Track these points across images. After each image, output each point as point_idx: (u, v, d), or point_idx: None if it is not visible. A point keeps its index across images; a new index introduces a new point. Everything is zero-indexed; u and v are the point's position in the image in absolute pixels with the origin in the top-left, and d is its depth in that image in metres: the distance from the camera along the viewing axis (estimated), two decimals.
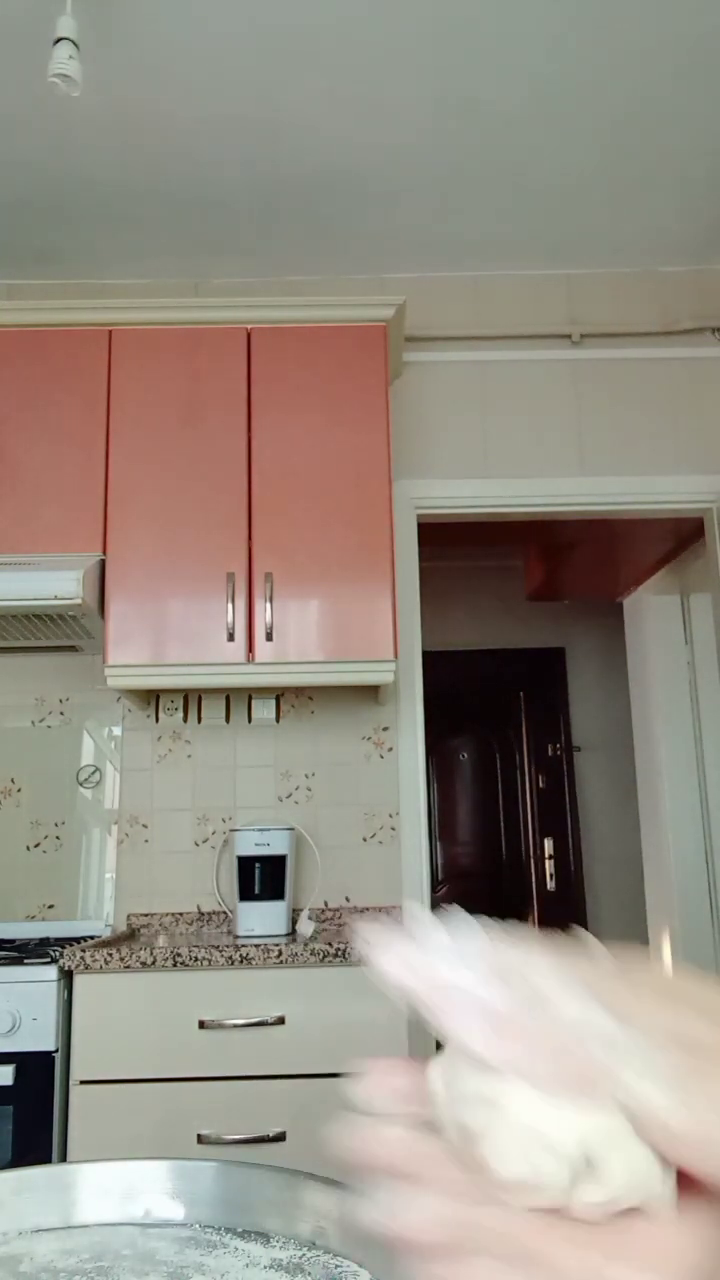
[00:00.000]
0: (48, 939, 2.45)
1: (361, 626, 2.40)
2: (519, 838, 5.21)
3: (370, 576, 2.43)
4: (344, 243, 2.88)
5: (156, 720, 2.76)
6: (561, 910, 5.02)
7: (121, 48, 2.13)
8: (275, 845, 2.46)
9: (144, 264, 2.95)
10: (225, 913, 2.64)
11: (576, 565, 4.46)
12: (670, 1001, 0.31)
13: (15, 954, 2.11)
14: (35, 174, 2.55)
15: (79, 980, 2.03)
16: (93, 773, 2.76)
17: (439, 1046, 0.34)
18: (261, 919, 2.41)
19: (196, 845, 2.70)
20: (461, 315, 3.00)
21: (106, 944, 2.18)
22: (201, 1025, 2.00)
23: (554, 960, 0.32)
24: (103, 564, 2.44)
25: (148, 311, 2.56)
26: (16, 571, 2.32)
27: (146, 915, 2.65)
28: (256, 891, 2.44)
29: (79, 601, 2.25)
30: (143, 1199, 0.61)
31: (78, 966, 2.01)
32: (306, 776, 2.74)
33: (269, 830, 2.48)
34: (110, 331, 2.55)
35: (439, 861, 5.09)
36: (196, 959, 2.02)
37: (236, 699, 2.77)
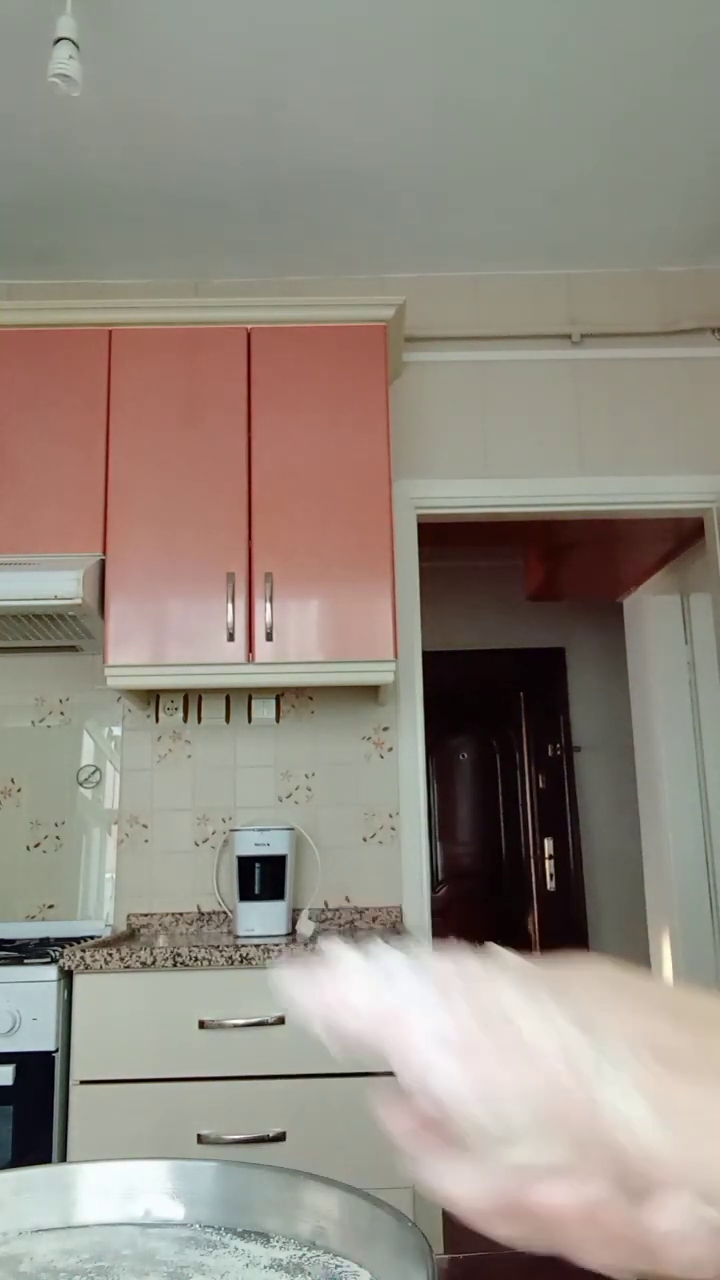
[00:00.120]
0: (48, 939, 2.45)
1: (361, 626, 2.40)
2: (519, 838, 5.21)
3: (370, 576, 2.43)
4: (344, 243, 2.88)
5: (156, 720, 2.76)
6: (561, 910, 5.02)
7: (121, 48, 2.13)
8: (275, 845, 2.46)
9: (144, 264, 2.95)
10: (225, 913, 2.64)
11: (576, 565, 4.47)
12: (632, 1002, 0.30)
13: (15, 954, 2.11)
14: (35, 174, 2.55)
15: (79, 980, 2.03)
16: (93, 773, 2.76)
17: None
18: (261, 919, 2.41)
19: (196, 845, 2.70)
20: (461, 315, 3.00)
21: (106, 944, 2.18)
22: (201, 1025, 2.00)
23: (508, 965, 0.31)
24: (103, 564, 2.44)
25: (148, 311, 2.57)
26: (16, 571, 2.32)
27: (146, 915, 2.65)
28: (256, 891, 2.44)
29: (79, 601, 2.25)
30: (143, 1199, 0.61)
31: (78, 966, 2.01)
32: (306, 776, 2.74)
33: (269, 830, 2.48)
34: (110, 331, 2.55)
35: (439, 861, 5.09)
36: (196, 959, 2.02)
37: (236, 699, 2.77)
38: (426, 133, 2.43)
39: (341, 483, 2.48)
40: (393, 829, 2.71)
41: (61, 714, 2.78)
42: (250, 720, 2.77)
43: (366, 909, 2.65)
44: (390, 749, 2.76)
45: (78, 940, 2.35)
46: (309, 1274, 0.53)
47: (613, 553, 4.22)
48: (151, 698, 2.75)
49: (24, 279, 2.99)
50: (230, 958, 2.03)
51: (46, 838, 2.71)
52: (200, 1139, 1.95)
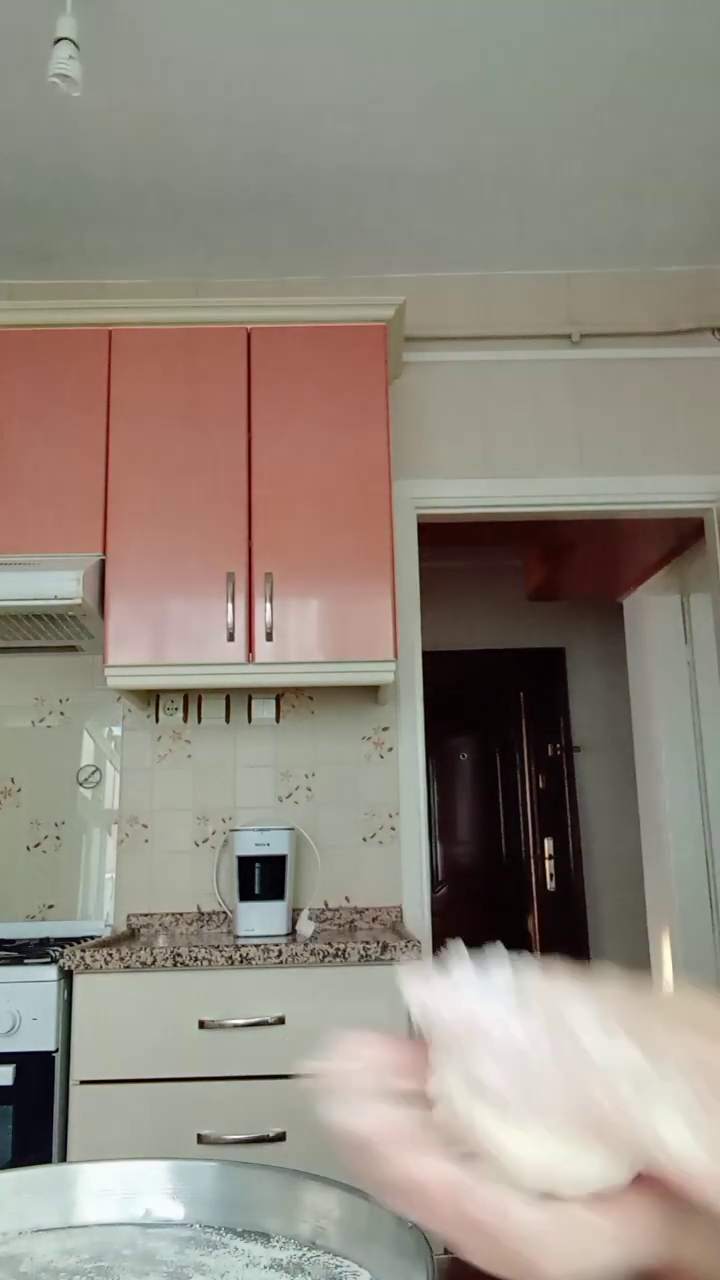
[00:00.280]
0: (48, 939, 2.45)
1: (361, 626, 2.40)
2: (519, 838, 5.21)
3: (370, 576, 2.43)
4: (344, 243, 2.88)
5: (156, 720, 2.76)
6: (561, 910, 5.02)
7: (121, 47, 2.13)
8: (275, 845, 2.46)
9: (144, 264, 2.95)
10: (225, 913, 2.64)
11: (576, 565, 4.46)
12: (701, 1033, 0.31)
13: (15, 954, 2.11)
14: (35, 173, 2.55)
15: (79, 980, 2.03)
16: (93, 773, 2.76)
17: None
18: (261, 919, 2.41)
19: (196, 845, 2.70)
20: (461, 315, 3.00)
21: (106, 944, 2.18)
22: (201, 1025, 2.00)
23: (586, 991, 0.32)
24: (103, 564, 2.44)
25: (148, 311, 2.57)
26: (16, 571, 2.32)
27: (146, 915, 2.65)
28: (256, 891, 2.44)
29: (79, 601, 2.25)
30: (143, 1199, 0.61)
31: (78, 966, 2.01)
32: (306, 776, 2.74)
33: (269, 830, 2.48)
34: (110, 331, 2.55)
35: (439, 861, 5.09)
36: (196, 959, 2.02)
37: (236, 699, 2.77)
38: (427, 132, 2.43)
39: (341, 483, 2.48)
40: (393, 829, 2.71)
41: (61, 714, 2.78)
42: (250, 720, 2.77)
43: (366, 909, 2.65)
44: (390, 749, 2.76)
45: (78, 940, 2.35)
46: (309, 1274, 0.53)
47: (613, 553, 4.22)
48: (151, 698, 2.75)
49: (24, 279, 2.99)
50: (230, 958, 2.03)
51: (46, 838, 2.71)
52: (200, 1139, 1.95)
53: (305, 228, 2.80)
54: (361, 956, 2.03)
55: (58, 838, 2.71)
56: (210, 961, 2.02)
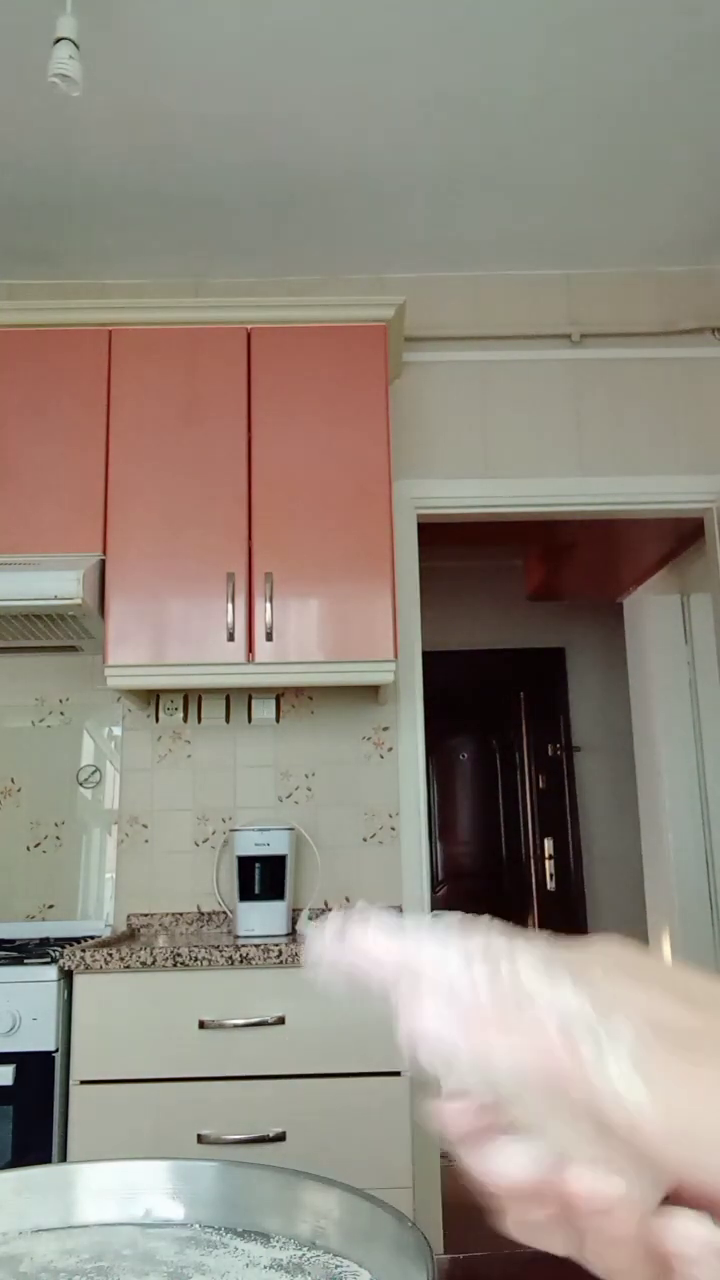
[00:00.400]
0: (48, 939, 2.45)
1: (361, 626, 2.40)
2: (519, 838, 5.21)
3: (370, 576, 2.43)
4: (344, 243, 2.88)
5: (156, 720, 2.76)
6: (561, 910, 5.02)
7: (121, 48, 2.13)
8: (275, 845, 2.46)
9: (144, 264, 2.95)
10: (225, 913, 2.64)
11: (576, 565, 4.47)
12: (646, 985, 0.31)
13: (15, 954, 2.11)
14: (35, 174, 2.55)
15: (79, 980, 2.03)
16: (93, 773, 2.76)
17: None
18: (261, 919, 2.41)
19: (196, 845, 2.70)
20: (461, 315, 3.00)
21: (106, 944, 2.18)
22: (201, 1025, 2.00)
23: (534, 946, 0.32)
24: (103, 564, 2.44)
25: (148, 311, 2.57)
26: (16, 571, 2.32)
27: (146, 915, 2.65)
28: (256, 891, 2.44)
29: (79, 601, 2.25)
30: (143, 1199, 0.61)
31: (78, 966, 2.01)
32: (306, 776, 2.74)
33: (269, 830, 2.48)
34: (110, 331, 2.55)
35: (439, 861, 5.09)
36: (196, 959, 2.02)
37: (236, 699, 2.77)
38: (426, 133, 2.43)
39: (341, 483, 2.48)
40: (393, 829, 2.71)
41: (61, 714, 2.78)
42: (250, 720, 2.77)
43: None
44: (390, 749, 2.76)
45: (78, 940, 2.35)
46: (309, 1274, 0.53)
47: (613, 553, 4.22)
48: (151, 698, 2.75)
49: (24, 279, 2.99)
50: (230, 958, 2.03)
51: (46, 838, 2.71)
52: (200, 1139, 1.95)
53: (305, 228, 2.80)
54: None
55: (58, 838, 2.71)
56: (210, 961, 2.02)
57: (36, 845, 2.71)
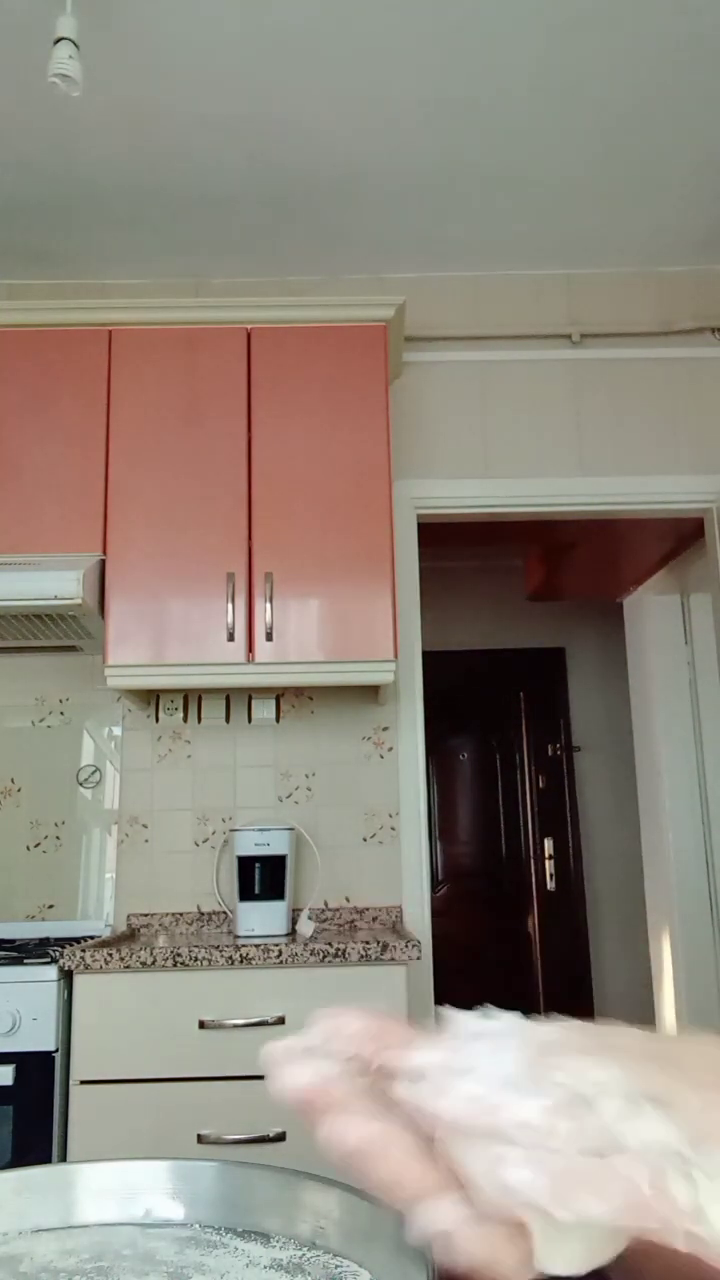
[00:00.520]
0: (48, 939, 2.45)
1: (361, 626, 2.40)
2: (519, 838, 5.21)
3: (370, 576, 2.43)
4: (344, 243, 2.88)
5: (156, 720, 2.76)
6: (561, 910, 5.02)
7: (121, 48, 2.13)
8: (275, 845, 2.46)
9: (144, 264, 2.95)
10: (225, 913, 2.64)
11: (576, 565, 4.46)
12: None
13: (15, 954, 2.11)
14: (35, 174, 2.55)
15: (79, 980, 2.03)
16: (93, 773, 2.76)
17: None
18: (261, 919, 2.41)
19: (196, 845, 2.70)
20: (461, 315, 3.00)
21: (106, 944, 2.18)
22: (201, 1025, 2.00)
23: (595, 1048, 0.30)
24: (103, 564, 2.44)
25: (148, 311, 2.56)
26: (16, 571, 2.32)
27: (146, 915, 2.65)
28: (256, 891, 2.44)
29: (79, 601, 2.25)
30: (143, 1199, 0.61)
31: (78, 966, 2.01)
32: (306, 776, 2.74)
33: (269, 830, 2.48)
34: (110, 331, 2.55)
35: (439, 861, 5.09)
36: (196, 959, 2.02)
37: (236, 699, 2.77)
38: (426, 133, 2.43)
39: (341, 483, 2.48)
40: (393, 829, 2.71)
41: (61, 714, 2.78)
42: (250, 720, 2.77)
43: (366, 909, 2.65)
44: (390, 749, 2.76)
45: (78, 940, 2.35)
46: (309, 1274, 0.53)
47: (613, 553, 4.22)
48: (151, 698, 2.75)
49: (24, 279, 2.99)
50: (230, 958, 2.03)
51: (46, 838, 2.71)
52: (200, 1139, 1.95)
53: (305, 228, 2.80)
54: (361, 956, 2.03)
55: (58, 838, 2.71)
56: (210, 961, 2.02)
57: (36, 845, 2.71)
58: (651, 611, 4.07)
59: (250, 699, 2.77)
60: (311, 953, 2.04)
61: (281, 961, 2.03)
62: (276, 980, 2.04)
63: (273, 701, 2.77)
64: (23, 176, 2.56)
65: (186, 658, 2.39)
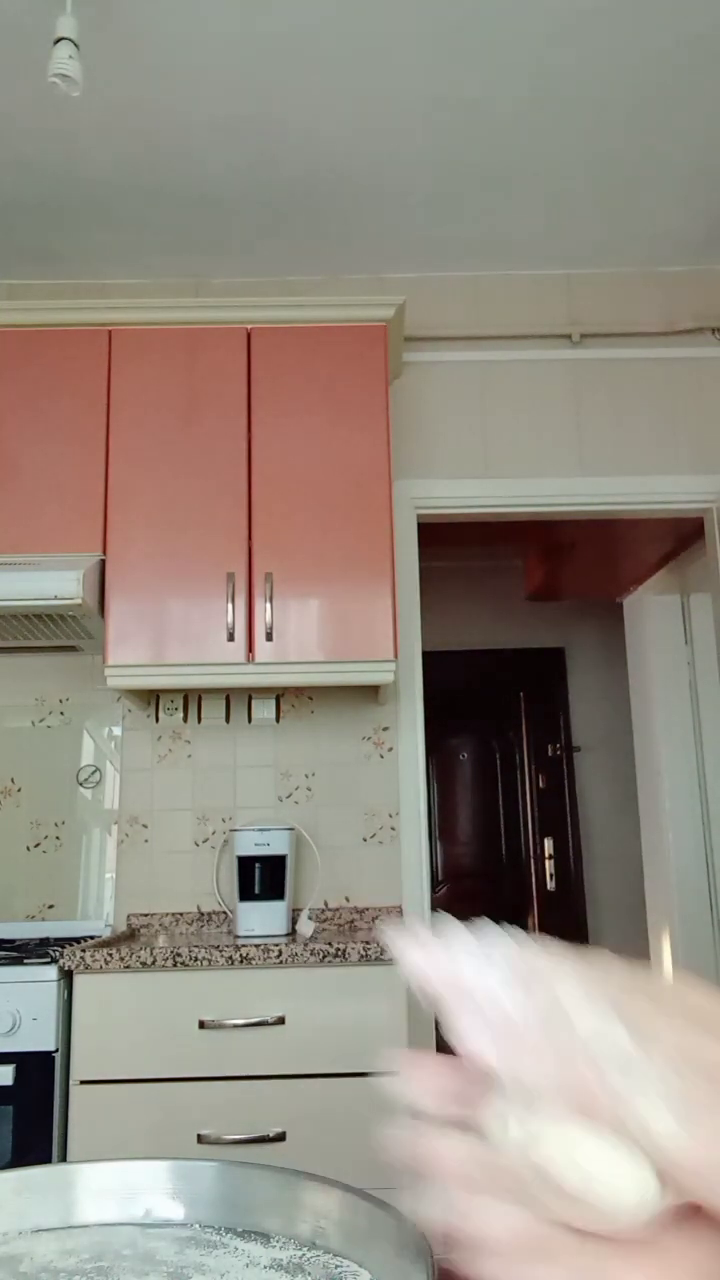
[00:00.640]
0: (48, 939, 2.45)
1: (361, 626, 2.41)
2: (519, 838, 5.21)
3: (370, 576, 2.43)
4: (344, 243, 2.88)
5: (156, 720, 2.76)
6: (561, 910, 5.02)
7: (121, 48, 2.13)
8: (275, 845, 2.46)
9: (144, 264, 2.95)
10: (225, 913, 2.64)
11: (576, 565, 4.46)
12: (692, 1022, 0.31)
13: (15, 954, 2.11)
14: (35, 174, 2.55)
15: (79, 980, 2.03)
16: (93, 773, 2.76)
17: (440, 1047, 0.34)
18: (261, 919, 2.41)
19: (196, 845, 2.70)
20: (461, 315, 3.00)
21: (106, 944, 2.18)
22: (201, 1025, 2.00)
23: (581, 970, 0.32)
24: (103, 564, 2.44)
25: (148, 311, 2.57)
26: (16, 571, 2.32)
27: (146, 915, 2.65)
28: (256, 891, 2.44)
29: (79, 601, 2.25)
30: (143, 1199, 0.61)
31: (78, 966, 2.01)
32: (306, 776, 2.74)
33: (269, 830, 2.48)
34: (110, 331, 2.55)
35: (439, 861, 5.09)
36: (196, 959, 2.02)
37: (236, 699, 2.77)
38: (426, 133, 2.43)
39: (341, 483, 2.48)
40: (393, 829, 2.71)
41: (61, 714, 2.78)
42: (250, 720, 2.77)
43: (366, 909, 2.65)
44: (390, 749, 2.76)
45: (78, 940, 2.35)
46: (309, 1274, 0.53)
47: (613, 553, 4.22)
48: (151, 698, 2.75)
49: (24, 279, 2.99)
50: (230, 958, 2.03)
51: (46, 838, 2.71)
52: (200, 1139, 1.95)
53: (305, 228, 2.80)
54: (361, 956, 2.03)
55: (58, 838, 2.71)
56: (210, 961, 2.02)
57: (36, 845, 2.71)
58: (651, 611, 4.07)
59: (250, 699, 2.77)
60: (311, 953, 2.04)
61: (281, 961, 2.03)
62: (276, 980, 2.04)
63: (273, 701, 2.77)
64: (23, 176, 2.56)
65: (186, 658, 2.39)
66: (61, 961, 2.01)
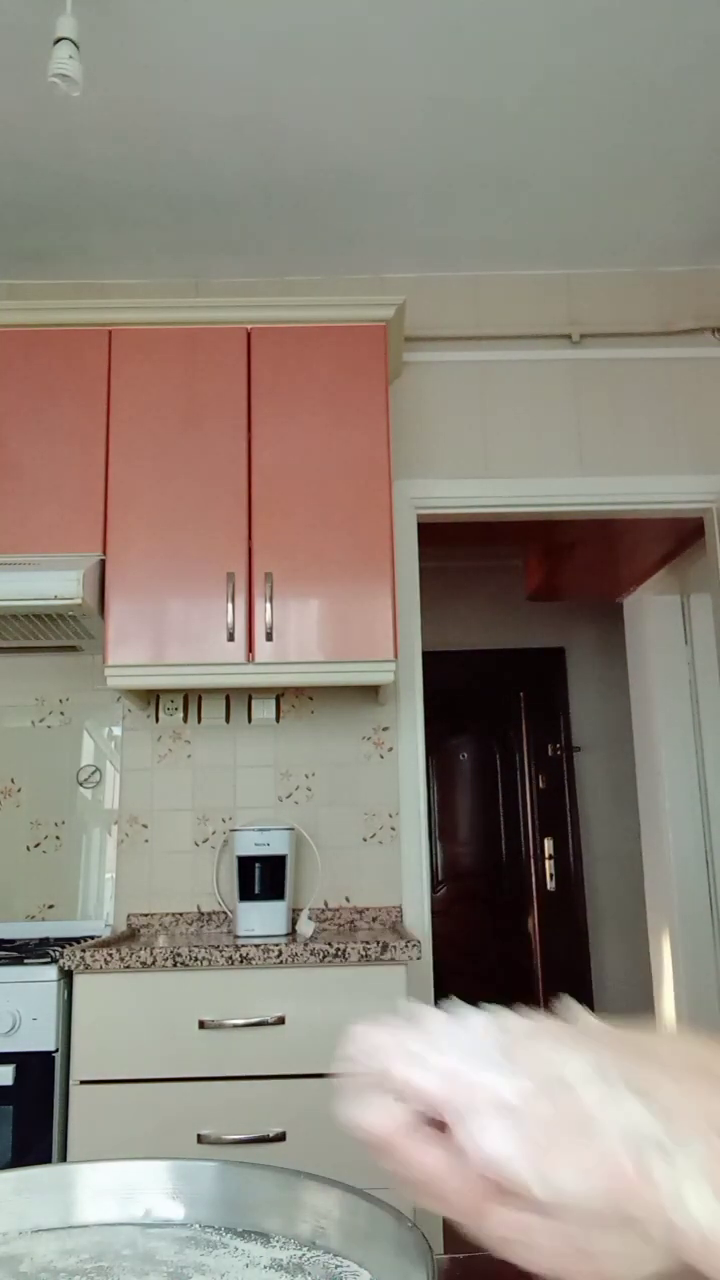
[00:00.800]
0: (48, 939, 2.45)
1: (361, 626, 2.41)
2: (519, 838, 5.20)
3: (370, 576, 2.43)
4: (344, 243, 2.88)
5: (156, 720, 2.76)
6: (561, 910, 5.02)
7: (121, 48, 2.13)
8: (275, 845, 2.46)
9: (144, 264, 2.95)
10: (225, 913, 2.64)
11: (576, 565, 4.46)
12: (705, 1082, 0.29)
13: (15, 954, 2.11)
14: (35, 174, 2.55)
15: (79, 980, 2.03)
16: (93, 773, 2.76)
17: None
18: (261, 919, 2.41)
19: (196, 845, 2.70)
20: (461, 315, 3.00)
21: (106, 944, 2.18)
22: (201, 1025, 2.00)
23: (573, 1036, 0.30)
24: (103, 564, 2.44)
25: (148, 311, 2.57)
26: (16, 571, 2.32)
27: (146, 915, 2.65)
28: (256, 891, 2.44)
29: (79, 601, 2.25)
30: (143, 1199, 0.61)
31: (78, 966, 2.01)
32: (306, 776, 2.74)
33: (269, 830, 2.48)
34: (110, 331, 2.55)
35: (439, 861, 5.09)
36: (196, 959, 2.02)
37: (236, 699, 2.77)
38: (426, 133, 2.43)
39: (341, 483, 2.48)
40: (393, 829, 2.71)
41: (61, 714, 2.78)
42: (250, 720, 2.77)
43: (366, 909, 2.65)
44: (390, 749, 2.76)
45: (78, 940, 2.35)
46: (309, 1274, 0.53)
47: (613, 553, 4.22)
48: (151, 698, 2.75)
49: (24, 279, 2.99)
50: (230, 958, 2.03)
51: (46, 838, 2.71)
52: (200, 1139, 1.95)
53: (305, 228, 2.80)
54: (361, 956, 2.03)
55: (58, 838, 2.71)
56: (210, 961, 2.02)
57: (36, 845, 2.71)
58: (651, 611, 4.07)
59: (250, 699, 2.77)
60: (311, 953, 2.04)
61: (281, 961, 2.03)
62: (276, 980, 2.04)
63: (273, 701, 2.77)
64: (23, 176, 2.56)
65: (186, 658, 2.39)
66: (61, 961, 2.01)
